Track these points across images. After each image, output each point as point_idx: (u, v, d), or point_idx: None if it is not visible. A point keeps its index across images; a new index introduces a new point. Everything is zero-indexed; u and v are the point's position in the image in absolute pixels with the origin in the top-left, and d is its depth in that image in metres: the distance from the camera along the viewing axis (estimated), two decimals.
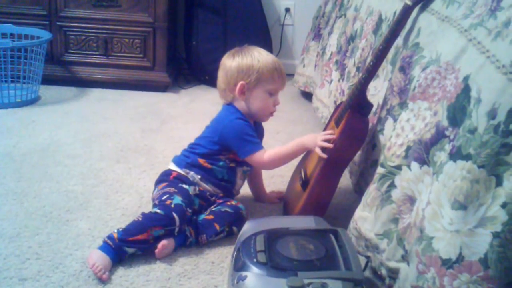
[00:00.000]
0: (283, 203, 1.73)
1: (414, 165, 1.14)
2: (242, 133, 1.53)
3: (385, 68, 1.50)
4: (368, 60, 1.52)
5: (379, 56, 1.40)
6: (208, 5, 2.96)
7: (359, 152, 1.52)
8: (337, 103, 1.79)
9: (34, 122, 2.31)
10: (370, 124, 1.48)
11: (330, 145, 1.43)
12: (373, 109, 1.50)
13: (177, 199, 1.46)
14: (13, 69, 2.47)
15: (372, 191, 1.26)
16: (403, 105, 1.29)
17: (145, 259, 1.39)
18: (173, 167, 1.61)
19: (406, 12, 1.36)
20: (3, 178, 1.77)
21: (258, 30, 3.06)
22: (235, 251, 1.21)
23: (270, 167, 1.61)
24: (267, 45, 3.06)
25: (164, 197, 1.48)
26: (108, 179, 1.82)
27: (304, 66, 2.81)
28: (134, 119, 2.42)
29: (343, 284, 1.03)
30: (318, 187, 1.50)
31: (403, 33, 1.41)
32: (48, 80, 2.70)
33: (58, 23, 2.72)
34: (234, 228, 1.51)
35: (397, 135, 1.24)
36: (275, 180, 1.88)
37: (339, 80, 2.05)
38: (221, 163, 1.58)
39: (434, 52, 1.22)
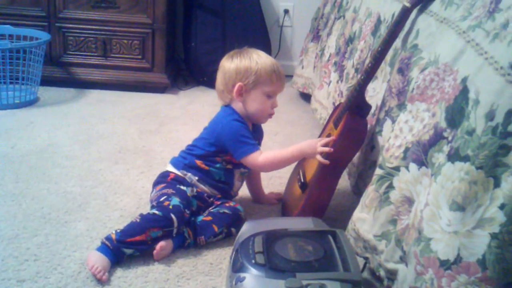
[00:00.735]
0: (281, 205, 1.73)
1: (413, 166, 1.14)
2: (238, 135, 1.53)
3: (384, 69, 1.51)
4: (367, 61, 1.52)
5: (378, 57, 1.40)
6: (207, 6, 2.96)
7: (357, 154, 1.52)
8: (336, 104, 1.79)
9: (33, 123, 2.31)
10: (368, 126, 1.48)
11: (330, 150, 1.43)
12: (372, 111, 1.50)
13: (175, 201, 1.46)
14: (12, 70, 2.46)
15: (370, 192, 1.26)
16: (401, 106, 1.29)
17: (143, 260, 1.39)
18: (170, 168, 1.61)
19: (404, 13, 1.36)
20: (1, 180, 1.77)
21: (257, 32, 3.07)
22: (234, 252, 1.21)
23: (266, 169, 1.60)
24: (266, 46, 3.06)
25: (162, 199, 1.48)
26: (107, 181, 1.82)
27: (302, 67, 2.81)
28: (132, 121, 2.42)
29: (341, 285, 1.04)
30: (317, 188, 1.50)
31: (402, 34, 1.41)
32: (46, 82, 2.69)
33: (57, 24, 2.72)
34: (233, 230, 1.51)
35: (395, 136, 1.25)
36: (274, 182, 1.88)
37: (337, 82, 2.06)
38: (217, 165, 1.58)
39: (432, 54, 1.22)
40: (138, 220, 1.41)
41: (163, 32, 2.76)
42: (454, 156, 1.00)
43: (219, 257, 1.44)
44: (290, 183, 1.74)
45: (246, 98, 1.55)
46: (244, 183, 1.70)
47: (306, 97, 2.79)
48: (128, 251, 1.37)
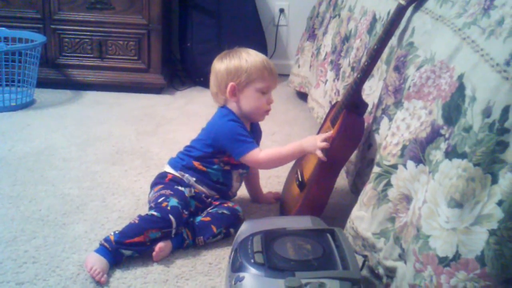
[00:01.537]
0: (280, 204, 1.74)
1: (410, 164, 1.15)
2: (234, 134, 1.53)
3: (380, 67, 1.51)
4: (363, 60, 1.52)
5: (374, 55, 1.40)
6: (203, 6, 2.96)
7: (355, 152, 1.52)
8: (333, 103, 1.79)
9: (29, 125, 2.30)
10: (365, 124, 1.48)
11: (327, 145, 1.43)
12: (369, 109, 1.51)
13: (173, 201, 1.46)
14: (8, 73, 2.46)
15: (368, 190, 1.26)
16: (398, 104, 1.29)
17: (142, 261, 1.39)
18: (168, 169, 1.61)
19: (400, 11, 1.36)
20: None
21: (253, 31, 3.07)
22: (233, 252, 1.21)
23: (266, 166, 1.60)
24: (262, 46, 3.07)
25: (160, 200, 1.48)
26: (104, 182, 1.82)
27: (299, 66, 2.81)
28: (129, 122, 2.42)
29: (340, 283, 1.04)
30: (315, 187, 1.50)
31: (398, 32, 1.41)
32: (43, 84, 2.69)
33: (52, 26, 2.72)
34: (231, 230, 1.51)
35: (392, 134, 1.25)
36: (272, 181, 1.88)
37: (334, 80, 2.06)
38: (215, 166, 1.58)
39: (428, 51, 1.22)
40: (136, 222, 1.41)
41: (159, 32, 2.76)
42: (451, 153, 1.00)
43: (218, 257, 1.44)
44: (288, 182, 1.74)
45: (240, 97, 1.55)
46: (243, 183, 1.70)
47: (302, 96, 2.80)
48: (127, 252, 1.37)
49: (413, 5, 1.37)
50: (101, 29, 2.73)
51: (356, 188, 1.54)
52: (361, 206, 1.29)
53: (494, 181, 0.92)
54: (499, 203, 0.91)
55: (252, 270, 1.09)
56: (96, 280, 1.30)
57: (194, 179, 1.57)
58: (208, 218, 1.52)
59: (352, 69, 1.81)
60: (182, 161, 1.60)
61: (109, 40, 2.75)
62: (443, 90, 1.10)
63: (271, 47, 3.23)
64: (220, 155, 1.57)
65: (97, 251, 1.36)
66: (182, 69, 3.13)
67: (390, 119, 1.32)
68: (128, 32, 2.74)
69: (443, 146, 1.05)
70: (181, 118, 2.52)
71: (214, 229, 1.49)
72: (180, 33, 3.09)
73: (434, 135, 1.09)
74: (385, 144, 1.26)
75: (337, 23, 2.26)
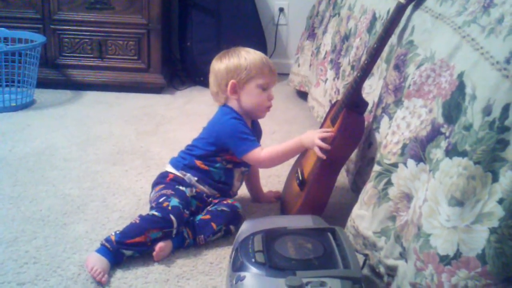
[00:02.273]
0: (280, 203, 1.74)
1: (411, 162, 1.15)
2: (237, 132, 1.53)
3: (380, 66, 1.51)
4: (363, 58, 1.52)
5: (374, 54, 1.40)
6: (202, 6, 2.96)
7: (355, 151, 1.52)
8: (333, 102, 1.79)
9: (30, 126, 2.30)
10: (366, 123, 1.48)
11: (328, 146, 1.43)
12: (369, 107, 1.51)
13: (174, 201, 1.46)
14: (8, 73, 2.46)
15: (369, 189, 1.26)
16: (398, 103, 1.29)
17: (143, 261, 1.39)
18: (170, 169, 1.61)
19: (400, 10, 1.36)
20: None
21: (252, 30, 3.07)
22: (233, 252, 1.21)
23: (268, 165, 1.60)
24: (262, 45, 3.06)
25: (161, 200, 1.48)
26: (105, 182, 1.82)
27: (299, 65, 2.81)
28: (129, 122, 2.42)
29: (341, 282, 1.04)
30: (315, 186, 1.50)
31: (397, 31, 1.41)
32: (42, 84, 2.69)
33: (52, 27, 2.72)
34: (231, 227, 1.51)
35: (393, 133, 1.25)
36: (272, 180, 1.88)
37: (334, 79, 2.06)
38: (217, 165, 1.58)
39: (428, 50, 1.22)
40: (137, 222, 1.41)
41: (159, 32, 2.75)
42: (452, 152, 1.00)
43: (219, 257, 1.44)
44: (289, 181, 1.74)
45: (241, 94, 1.56)
46: (243, 182, 1.70)
47: (302, 95, 2.80)
48: (128, 252, 1.38)
49: (413, 3, 1.37)
50: (100, 29, 2.73)
51: (356, 187, 1.54)
52: (361, 205, 1.29)
53: (495, 179, 0.92)
54: (500, 201, 0.91)
55: (253, 270, 1.09)
56: (97, 280, 1.30)
57: (195, 178, 1.57)
58: (208, 216, 1.52)
59: (352, 68, 1.81)
60: (184, 160, 1.60)
61: (109, 40, 2.75)
62: (443, 88, 1.10)
63: (271, 46, 3.23)
64: (223, 153, 1.57)
65: (98, 251, 1.36)
66: (182, 69, 3.13)
67: (391, 118, 1.32)
68: (128, 32, 2.74)
69: (444, 144, 1.05)
70: (181, 117, 2.52)
71: (214, 226, 1.49)
72: (180, 32, 3.09)
73: (435, 133, 1.09)
74: (385, 143, 1.26)
75: (337, 22, 2.26)
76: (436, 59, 1.16)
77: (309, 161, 1.57)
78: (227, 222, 1.52)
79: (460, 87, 1.04)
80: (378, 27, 1.63)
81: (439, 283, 0.97)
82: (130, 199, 1.71)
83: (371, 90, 1.56)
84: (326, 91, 2.16)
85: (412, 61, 1.28)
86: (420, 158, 1.12)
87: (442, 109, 1.08)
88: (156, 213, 1.42)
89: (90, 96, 2.73)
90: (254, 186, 1.76)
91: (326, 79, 2.19)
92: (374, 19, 1.71)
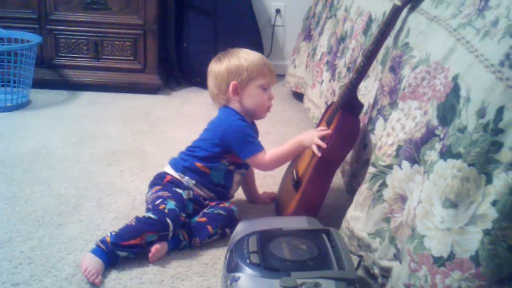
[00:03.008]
0: (275, 204, 1.74)
1: (405, 164, 1.15)
2: (244, 135, 1.54)
3: (376, 68, 1.51)
4: (359, 60, 1.53)
5: (369, 56, 1.41)
6: (199, 7, 2.96)
7: (350, 152, 1.52)
8: (328, 103, 1.79)
9: (25, 126, 2.30)
10: (361, 124, 1.49)
11: (324, 144, 1.44)
12: (364, 109, 1.51)
13: (171, 204, 1.45)
14: (3, 73, 2.46)
15: (363, 190, 1.27)
16: (393, 104, 1.30)
17: (138, 262, 1.39)
18: (168, 170, 1.60)
19: (395, 12, 1.37)
20: None
21: (249, 31, 3.07)
22: (228, 253, 1.21)
23: (272, 167, 1.60)
24: (258, 46, 3.07)
25: (157, 202, 1.47)
26: (100, 182, 1.82)
27: (295, 66, 2.82)
28: (125, 122, 2.42)
29: (336, 283, 1.04)
30: (310, 187, 1.50)
31: (393, 33, 1.41)
32: (38, 84, 2.68)
33: (48, 27, 2.71)
34: (227, 230, 1.51)
35: (387, 134, 1.25)
36: (268, 181, 1.88)
37: (330, 81, 2.06)
38: (220, 166, 1.58)
39: (423, 52, 1.22)
40: (133, 224, 1.41)
41: (155, 33, 2.75)
42: (446, 154, 1.00)
43: (214, 258, 1.44)
44: (284, 182, 1.74)
45: (242, 95, 1.56)
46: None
47: (298, 96, 2.80)
48: (123, 254, 1.37)
49: (409, 6, 1.37)
50: (97, 29, 2.73)
51: (351, 188, 1.55)
52: (356, 206, 1.29)
53: (489, 181, 0.93)
54: (494, 203, 0.91)
55: (248, 270, 1.09)
56: (90, 281, 1.30)
57: (193, 181, 1.57)
58: (204, 219, 1.52)
59: (348, 69, 1.82)
60: (185, 162, 1.60)
61: (105, 41, 2.75)
62: (438, 90, 1.10)
63: (268, 48, 3.24)
64: (227, 155, 1.57)
65: (93, 251, 1.35)
66: (178, 69, 3.13)
67: (385, 120, 1.33)
68: (124, 33, 2.74)
69: (438, 146, 1.05)
70: (177, 118, 2.52)
71: (210, 229, 1.49)
72: (176, 33, 3.09)
73: (429, 135, 1.09)
74: (380, 145, 1.27)
75: (333, 23, 2.26)
76: (431, 61, 1.17)
77: (304, 162, 1.57)
78: (223, 225, 1.52)
79: (455, 90, 1.04)
80: (374, 29, 1.63)
81: (433, 285, 0.97)
82: (125, 199, 1.71)
83: (366, 92, 1.56)
84: (322, 93, 2.16)
85: (408, 63, 1.29)
86: (414, 160, 1.13)
87: (437, 111, 1.09)
88: (152, 216, 1.42)
89: (86, 96, 2.73)
90: (249, 187, 1.76)
91: (322, 81, 2.19)
92: (370, 21, 1.72)
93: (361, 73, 1.43)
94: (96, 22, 2.72)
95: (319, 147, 1.45)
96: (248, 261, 1.11)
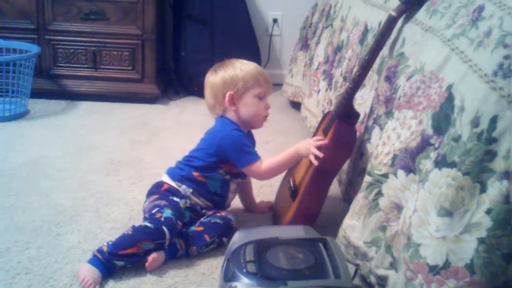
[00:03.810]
0: (272, 213, 1.74)
1: (401, 173, 1.16)
2: (240, 144, 1.55)
3: (372, 77, 1.52)
4: (355, 70, 1.54)
5: (365, 66, 1.42)
6: (196, 16, 2.98)
7: (347, 161, 1.53)
8: (325, 112, 1.80)
9: (23, 136, 2.30)
10: (357, 133, 1.50)
11: (321, 154, 1.44)
12: (360, 118, 1.52)
13: (167, 213, 1.46)
14: (2, 83, 2.46)
15: (360, 199, 1.27)
16: (389, 114, 1.31)
17: (135, 272, 1.39)
18: (166, 179, 1.61)
19: (391, 22, 1.38)
20: None
21: (246, 41, 3.08)
22: (225, 262, 1.21)
23: (268, 177, 1.61)
24: (255, 55, 3.08)
25: (154, 211, 1.48)
26: (98, 192, 1.82)
27: (292, 76, 2.83)
28: (123, 132, 2.42)
29: None
30: (307, 196, 1.50)
31: (388, 43, 1.43)
32: (37, 94, 2.69)
33: (47, 37, 2.73)
34: (224, 239, 1.52)
35: (383, 143, 1.26)
36: (265, 190, 1.89)
37: (326, 90, 2.07)
38: (216, 176, 1.58)
39: (418, 62, 1.23)
40: (130, 233, 1.41)
41: (153, 43, 2.77)
42: (441, 163, 1.01)
43: (211, 267, 1.44)
44: (281, 191, 1.74)
45: (239, 105, 1.57)
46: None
47: (296, 105, 2.81)
48: (120, 263, 1.37)
49: (404, 16, 1.39)
50: (95, 39, 2.74)
51: (348, 197, 1.55)
52: (352, 215, 1.29)
53: (483, 190, 0.93)
54: (488, 212, 0.92)
55: (245, 280, 1.09)
56: None
57: (191, 190, 1.57)
58: (201, 228, 1.52)
59: (344, 79, 1.83)
60: (182, 171, 1.60)
61: (103, 51, 2.76)
62: (433, 100, 1.11)
63: (265, 57, 3.25)
64: (223, 164, 1.57)
65: (90, 261, 1.35)
66: (176, 79, 3.14)
67: (381, 129, 1.34)
68: (122, 43, 2.75)
69: (433, 155, 1.06)
70: (175, 127, 2.52)
71: (207, 238, 1.50)
72: (174, 43, 3.11)
73: (424, 144, 1.10)
74: (376, 154, 1.27)
75: (330, 33, 2.28)
76: (426, 71, 1.18)
77: (301, 171, 1.58)
78: (220, 234, 1.52)
79: (449, 99, 1.05)
80: (370, 39, 1.64)
81: None
82: (123, 209, 1.71)
83: (362, 101, 1.58)
84: (319, 102, 2.17)
85: (403, 72, 1.30)
86: (410, 168, 1.13)
87: (432, 121, 1.10)
88: (148, 225, 1.42)
89: (84, 106, 2.74)
90: (246, 196, 1.76)
91: (319, 90, 2.20)
92: (366, 31, 1.73)
93: (357, 82, 1.44)
94: (94, 32, 2.73)
95: (316, 156, 1.45)
96: (245, 270, 1.11)
